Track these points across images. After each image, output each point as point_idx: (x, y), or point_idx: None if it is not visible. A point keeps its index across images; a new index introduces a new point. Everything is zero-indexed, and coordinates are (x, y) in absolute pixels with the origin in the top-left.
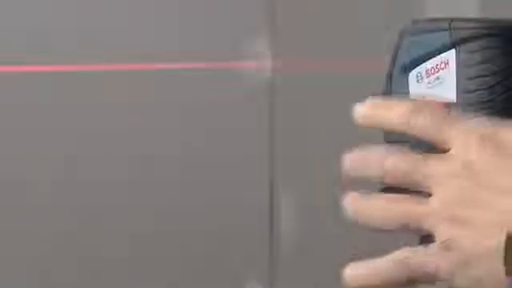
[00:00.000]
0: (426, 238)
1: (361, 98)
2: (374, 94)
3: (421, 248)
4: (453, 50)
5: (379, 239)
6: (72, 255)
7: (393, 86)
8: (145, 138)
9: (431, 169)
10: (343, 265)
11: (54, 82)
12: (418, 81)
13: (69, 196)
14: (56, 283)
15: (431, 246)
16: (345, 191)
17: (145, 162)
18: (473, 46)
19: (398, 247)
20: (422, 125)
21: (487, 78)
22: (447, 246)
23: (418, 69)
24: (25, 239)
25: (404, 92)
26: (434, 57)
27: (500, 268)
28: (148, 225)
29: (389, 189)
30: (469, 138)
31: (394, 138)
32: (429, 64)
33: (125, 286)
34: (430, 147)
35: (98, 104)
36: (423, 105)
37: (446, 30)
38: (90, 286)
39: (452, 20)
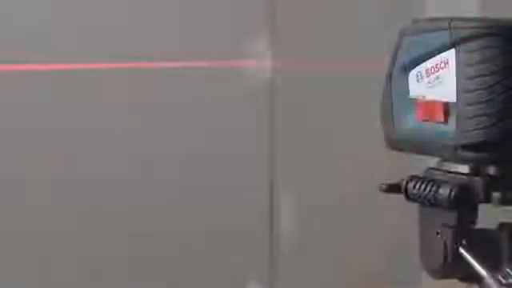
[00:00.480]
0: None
1: (361, 98)
2: (374, 94)
3: None
4: (453, 50)
5: (378, 240)
6: (72, 255)
7: (393, 85)
8: (145, 138)
9: None
10: (343, 265)
11: (54, 80)
12: (417, 80)
13: (69, 196)
14: (56, 283)
15: None
16: None
17: (145, 162)
18: (472, 45)
19: (397, 247)
20: None
21: (487, 78)
22: None
23: (418, 68)
24: (25, 239)
25: (404, 91)
26: (433, 56)
27: None
28: (148, 225)
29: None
30: None
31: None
32: (429, 63)
33: (125, 286)
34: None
35: (98, 104)
36: None
37: (446, 29)
38: (90, 286)
39: (452, 19)
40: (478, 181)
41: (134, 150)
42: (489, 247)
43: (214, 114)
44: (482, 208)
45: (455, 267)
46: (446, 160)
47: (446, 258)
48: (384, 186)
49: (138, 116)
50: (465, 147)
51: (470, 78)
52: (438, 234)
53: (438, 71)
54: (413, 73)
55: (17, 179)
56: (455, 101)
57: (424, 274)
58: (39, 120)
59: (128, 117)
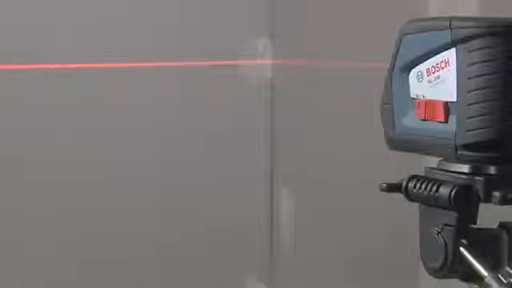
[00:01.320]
0: None
1: (361, 98)
2: (374, 94)
3: None
4: (453, 49)
5: (378, 240)
6: (71, 255)
7: (393, 84)
8: (144, 137)
9: None
10: (342, 265)
11: (55, 80)
12: (418, 80)
13: (69, 196)
14: (54, 283)
15: None
16: None
17: (144, 161)
18: (473, 44)
19: (397, 248)
20: None
21: (487, 77)
22: None
23: (418, 68)
24: (25, 239)
25: (404, 91)
26: (434, 56)
27: None
28: (148, 225)
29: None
30: None
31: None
32: (429, 63)
33: (125, 286)
34: None
35: (98, 103)
36: None
37: (447, 28)
38: (90, 286)
39: (452, 19)
40: (478, 180)
41: (134, 149)
42: (489, 247)
43: (214, 114)
44: (483, 207)
45: (455, 267)
46: (447, 160)
47: (446, 257)
48: (384, 186)
49: (138, 116)
50: (465, 147)
51: (471, 78)
52: (438, 233)
53: (438, 71)
54: (413, 72)
55: (17, 179)
56: (456, 100)
57: (422, 275)
58: (39, 120)
59: (128, 117)
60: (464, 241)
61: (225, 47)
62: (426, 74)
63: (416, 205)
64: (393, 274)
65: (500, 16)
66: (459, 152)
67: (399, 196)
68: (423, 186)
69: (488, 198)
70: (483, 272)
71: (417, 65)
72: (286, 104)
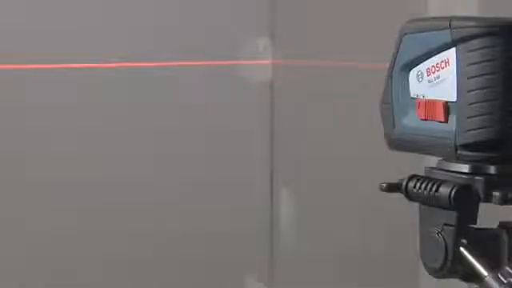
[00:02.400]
0: None
1: (361, 98)
2: (374, 94)
3: None
4: (453, 49)
5: (378, 240)
6: (71, 255)
7: (393, 84)
8: (144, 137)
9: None
10: (342, 265)
11: (55, 80)
12: (418, 79)
13: (69, 196)
14: (54, 283)
15: None
16: None
17: (144, 161)
18: (473, 44)
19: (397, 248)
20: None
21: (487, 77)
22: None
23: (418, 67)
24: (25, 239)
25: (404, 91)
26: (434, 55)
27: None
28: (148, 225)
29: (392, 187)
30: None
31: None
32: (429, 63)
33: (125, 286)
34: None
35: (98, 103)
36: None
37: (447, 28)
38: (89, 286)
39: (452, 18)
40: (478, 180)
41: (134, 149)
42: (489, 246)
43: (214, 114)
44: (483, 207)
45: (455, 267)
46: (447, 159)
47: (446, 257)
48: (384, 186)
49: (138, 116)
50: (465, 146)
51: (471, 78)
52: (438, 233)
53: (438, 70)
54: (413, 72)
55: (17, 179)
56: (455, 100)
57: (422, 275)
58: (39, 120)
59: (128, 117)
60: (464, 241)
61: (225, 47)
62: (425, 74)
63: (416, 205)
64: (393, 274)
65: (500, 16)
66: (459, 152)
67: (399, 196)
68: (423, 186)
69: (488, 198)
70: (483, 272)
71: (417, 64)
72: (286, 104)
